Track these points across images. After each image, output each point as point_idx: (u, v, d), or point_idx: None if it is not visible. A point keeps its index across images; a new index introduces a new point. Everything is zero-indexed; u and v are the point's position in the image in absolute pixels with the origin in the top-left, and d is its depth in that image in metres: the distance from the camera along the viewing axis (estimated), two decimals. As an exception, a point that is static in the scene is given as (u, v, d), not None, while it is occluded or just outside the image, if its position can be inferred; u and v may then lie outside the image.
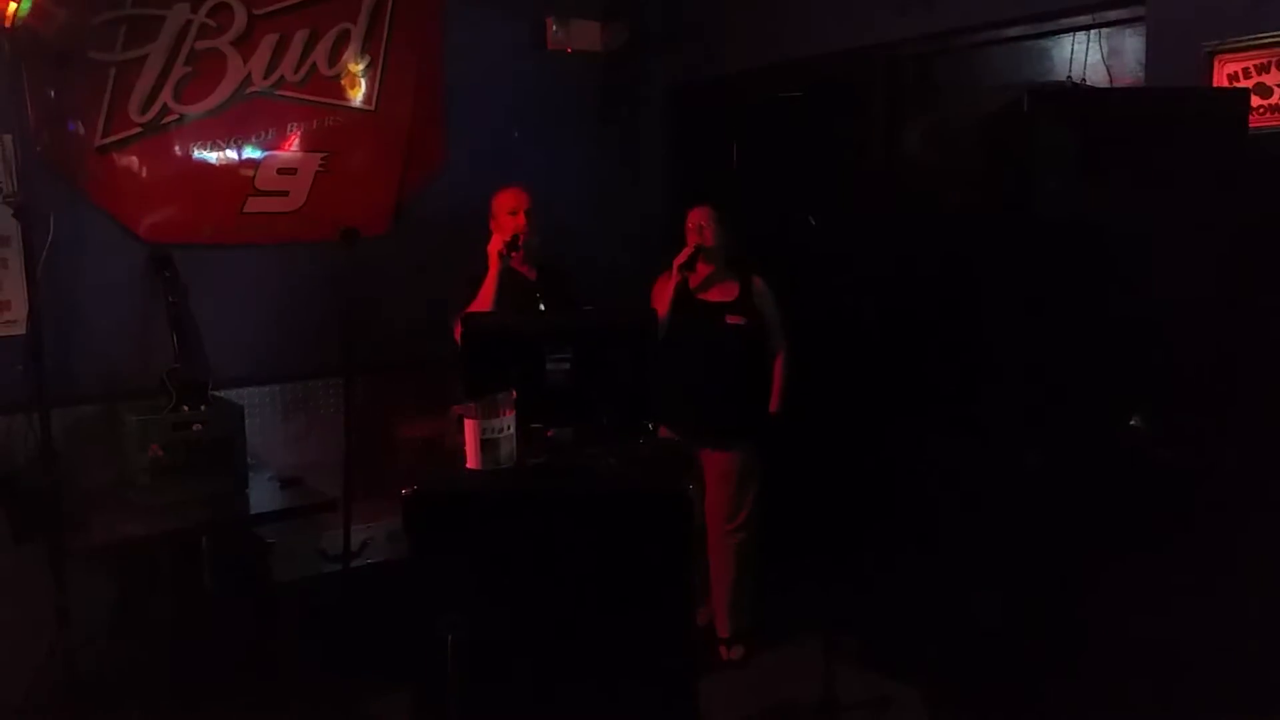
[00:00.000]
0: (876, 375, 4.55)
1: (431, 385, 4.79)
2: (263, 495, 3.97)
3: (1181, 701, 2.88)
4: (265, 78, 4.40)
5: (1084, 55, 3.84)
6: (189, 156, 4.27)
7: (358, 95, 4.65)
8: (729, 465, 4.43)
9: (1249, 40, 3.26)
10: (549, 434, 3.25)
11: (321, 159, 4.56)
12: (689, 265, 4.38)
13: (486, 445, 3.00)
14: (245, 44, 4.33)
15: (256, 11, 4.33)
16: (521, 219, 4.16)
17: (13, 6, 3.46)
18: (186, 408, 3.91)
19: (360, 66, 4.63)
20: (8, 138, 3.74)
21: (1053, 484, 2.99)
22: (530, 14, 5.17)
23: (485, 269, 4.12)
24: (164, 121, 4.19)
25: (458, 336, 3.61)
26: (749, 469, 4.47)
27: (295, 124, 4.49)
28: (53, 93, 3.92)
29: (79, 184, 4.04)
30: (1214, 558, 2.87)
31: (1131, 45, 3.73)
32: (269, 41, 4.38)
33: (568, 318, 3.90)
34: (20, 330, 3.74)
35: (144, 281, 4.18)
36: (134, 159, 4.16)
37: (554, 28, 5.17)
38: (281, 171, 4.48)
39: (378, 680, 3.86)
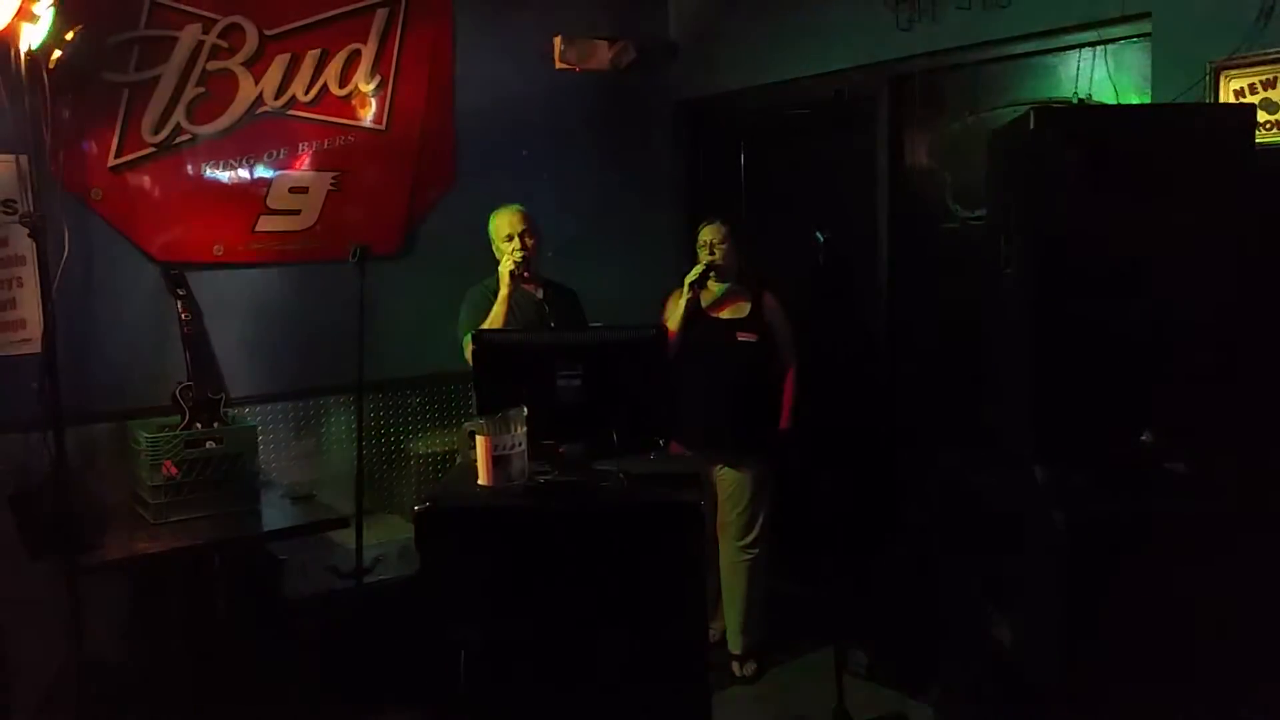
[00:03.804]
0: (886, 390, 4.56)
1: (443, 402, 4.84)
2: (275, 512, 3.99)
3: (1194, 713, 2.87)
4: (276, 98, 4.43)
5: (1090, 72, 3.86)
6: (201, 176, 4.31)
7: (368, 115, 4.68)
8: (740, 481, 4.44)
9: (1255, 56, 3.28)
10: (560, 450, 3.25)
11: (333, 178, 4.59)
12: (700, 283, 4.40)
13: (498, 461, 3.01)
14: (256, 64, 4.37)
15: (268, 32, 4.37)
16: (518, 243, 4.18)
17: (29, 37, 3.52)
18: (199, 425, 3.95)
19: (371, 86, 4.66)
20: (23, 158, 3.77)
21: (1060, 497, 2.99)
22: (539, 33, 5.20)
23: (495, 286, 4.15)
24: (176, 141, 4.23)
25: (469, 354, 3.63)
26: (760, 485, 4.47)
27: (306, 143, 4.53)
28: (67, 113, 3.95)
29: (93, 203, 4.08)
30: (1222, 568, 2.87)
31: (1137, 62, 3.74)
32: (280, 62, 4.42)
33: (579, 334, 3.91)
34: (35, 348, 3.75)
35: (157, 300, 4.21)
36: (147, 178, 4.19)
37: (562, 47, 5.19)
38: (293, 190, 4.51)
39: (390, 697, 3.88)
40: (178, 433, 3.89)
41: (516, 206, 4.30)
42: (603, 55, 5.34)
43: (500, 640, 2.96)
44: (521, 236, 4.19)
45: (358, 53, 4.62)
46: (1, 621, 3.73)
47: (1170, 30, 3.51)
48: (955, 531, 3.63)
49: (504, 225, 4.25)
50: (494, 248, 4.26)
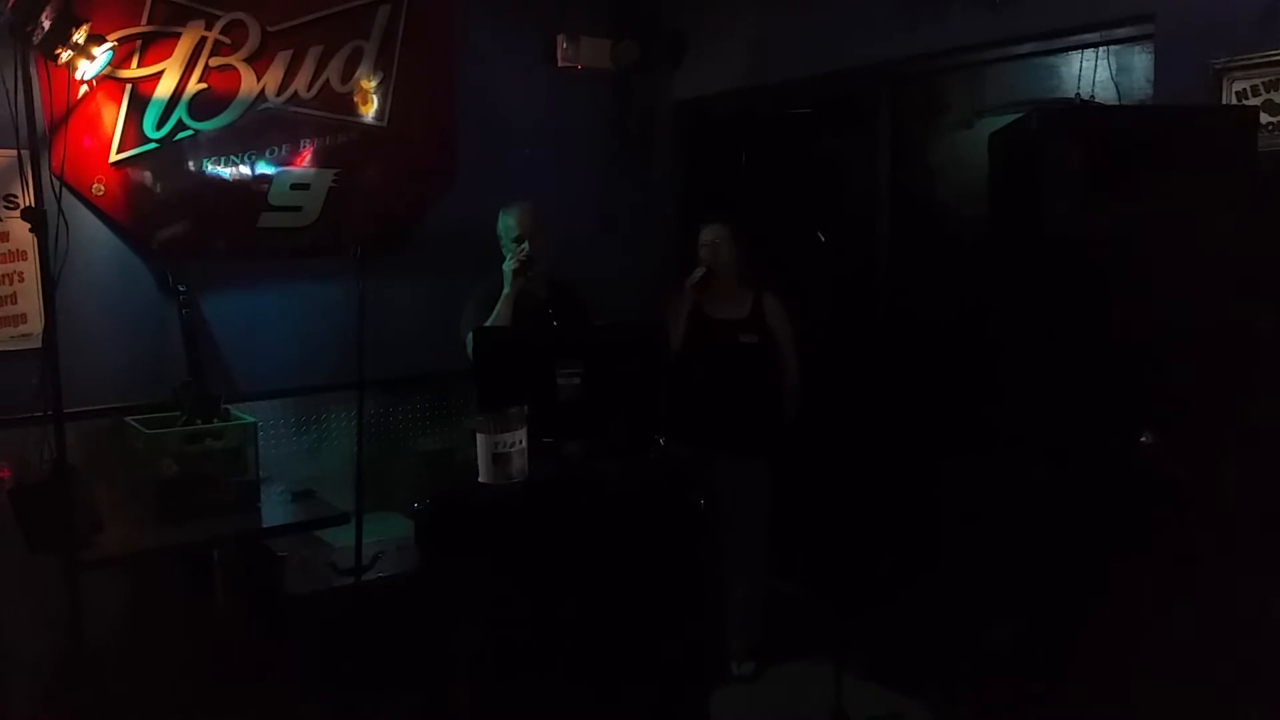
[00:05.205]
0: (885, 391, 4.56)
1: (443, 399, 4.84)
2: (274, 508, 3.97)
3: (1188, 712, 2.88)
4: (278, 94, 4.42)
5: (1093, 73, 3.86)
6: (203, 172, 4.30)
7: (370, 111, 4.68)
8: (740, 480, 4.43)
9: (1258, 57, 3.28)
10: (561, 448, 3.26)
11: (334, 175, 4.58)
12: (701, 284, 4.40)
13: (498, 459, 3.01)
14: (259, 60, 4.35)
15: (270, 28, 4.36)
16: (526, 243, 4.18)
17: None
18: (199, 421, 3.94)
19: (373, 83, 4.66)
20: (24, 152, 3.76)
21: (1060, 499, 3.00)
22: (541, 31, 5.20)
23: (497, 284, 4.15)
24: (178, 137, 4.22)
25: (470, 351, 3.63)
26: (760, 484, 4.47)
27: (308, 140, 4.52)
28: (69, 107, 3.95)
29: (94, 198, 4.07)
30: (1219, 572, 2.87)
31: (1140, 63, 3.75)
32: (282, 58, 4.41)
33: (579, 333, 3.92)
34: (36, 343, 3.76)
35: (158, 296, 4.21)
36: (148, 174, 4.18)
37: (564, 45, 5.19)
38: (295, 187, 4.50)
39: (389, 694, 3.87)
40: (177, 428, 3.89)
41: (528, 205, 4.30)
42: (605, 54, 5.34)
43: (499, 638, 2.96)
44: (530, 236, 4.20)
45: (360, 49, 4.61)
46: (0, 616, 3.73)
47: (1173, 32, 3.51)
48: (955, 530, 3.64)
49: (513, 224, 4.25)
50: (502, 245, 4.27)
